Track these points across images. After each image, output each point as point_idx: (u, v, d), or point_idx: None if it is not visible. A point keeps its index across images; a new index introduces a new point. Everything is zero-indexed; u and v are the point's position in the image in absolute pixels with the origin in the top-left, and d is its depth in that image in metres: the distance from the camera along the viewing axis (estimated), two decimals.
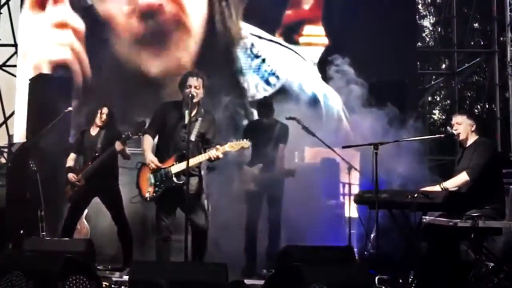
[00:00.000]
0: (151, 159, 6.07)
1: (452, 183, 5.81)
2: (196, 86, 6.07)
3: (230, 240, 7.94)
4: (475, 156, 5.83)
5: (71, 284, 4.91)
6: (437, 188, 5.83)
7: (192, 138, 6.04)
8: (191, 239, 6.06)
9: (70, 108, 7.68)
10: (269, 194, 7.45)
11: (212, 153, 5.91)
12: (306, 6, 10.33)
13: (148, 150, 6.19)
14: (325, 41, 10.03)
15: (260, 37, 10.22)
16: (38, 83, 8.77)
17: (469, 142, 5.98)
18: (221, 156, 5.95)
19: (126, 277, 6.03)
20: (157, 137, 6.33)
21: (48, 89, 8.48)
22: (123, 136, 6.91)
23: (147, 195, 6.11)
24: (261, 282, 5.53)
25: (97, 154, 7.00)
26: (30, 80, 9.16)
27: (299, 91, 10.03)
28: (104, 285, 5.62)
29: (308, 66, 10.19)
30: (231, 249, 7.87)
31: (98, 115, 7.17)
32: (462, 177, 5.79)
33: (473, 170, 5.74)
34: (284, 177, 7.40)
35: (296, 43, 10.27)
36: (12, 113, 10.93)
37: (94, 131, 7.20)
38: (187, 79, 6.14)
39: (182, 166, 5.91)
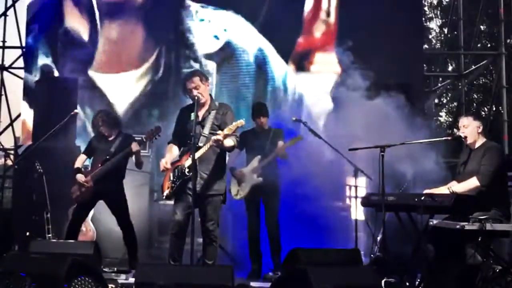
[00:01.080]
0: (163, 161, 6.15)
1: (461, 188, 5.78)
2: (195, 87, 6.08)
3: (236, 242, 8.00)
4: (485, 162, 5.80)
5: (77, 287, 4.91)
6: (444, 190, 5.81)
7: (206, 131, 6.09)
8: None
9: (76, 111, 7.69)
10: (265, 195, 7.43)
11: (213, 139, 5.86)
12: (318, 34, 10.29)
13: (167, 154, 6.25)
14: (337, 69, 9.87)
15: (203, 6, 10.41)
16: (44, 85, 8.79)
17: (477, 144, 5.97)
18: (221, 139, 5.82)
19: (132, 280, 6.04)
20: None
21: (54, 91, 8.51)
22: (137, 139, 6.97)
23: (165, 192, 6.18)
24: (267, 284, 5.52)
25: (107, 157, 7.02)
26: (36, 82, 9.18)
27: (246, 46, 10.22)
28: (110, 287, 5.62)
29: (252, 30, 10.27)
30: (237, 251, 7.93)
31: (100, 124, 7.27)
32: (472, 183, 5.76)
33: (484, 177, 5.72)
34: (292, 144, 7.35)
35: (307, 71, 10.23)
36: (19, 115, 10.94)
37: (110, 137, 7.26)
38: (185, 85, 6.19)
39: (190, 160, 5.90)
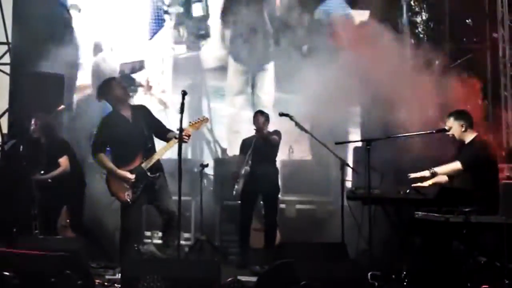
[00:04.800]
0: (125, 175, 6.32)
1: (443, 169, 5.88)
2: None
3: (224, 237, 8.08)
4: (470, 150, 5.93)
5: (64, 282, 4.91)
6: (426, 173, 5.87)
7: (146, 132, 6.41)
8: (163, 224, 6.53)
9: (62, 106, 7.68)
10: (265, 192, 7.67)
11: (187, 135, 6.13)
12: None
13: (115, 167, 6.38)
14: None
15: None
16: (30, 81, 8.75)
17: (468, 140, 6.02)
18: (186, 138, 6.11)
19: (119, 275, 6.04)
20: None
21: (41, 87, 8.46)
22: None
23: (128, 198, 6.32)
24: (255, 278, 5.54)
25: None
26: (22, 78, 9.13)
27: None
28: (97, 283, 5.62)
29: None
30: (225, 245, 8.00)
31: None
32: (454, 165, 5.89)
33: (466, 161, 5.83)
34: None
35: None
36: (5, 111, 10.86)
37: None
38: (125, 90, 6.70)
39: (151, 161, 6.31)
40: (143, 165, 6.30)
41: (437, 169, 5.91)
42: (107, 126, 6.50)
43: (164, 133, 6.50)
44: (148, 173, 6.31)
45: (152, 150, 6.39)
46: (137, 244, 7.18)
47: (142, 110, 6.60)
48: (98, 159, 6.46)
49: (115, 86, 6.47)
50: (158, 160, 6.44)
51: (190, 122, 6.44)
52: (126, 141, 6.33)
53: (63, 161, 7.24)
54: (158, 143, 6.58)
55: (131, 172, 6.30)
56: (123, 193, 6.33)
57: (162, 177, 6.47)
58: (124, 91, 6.56)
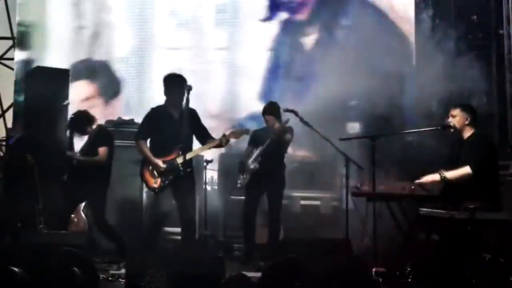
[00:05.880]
0: (156, 162, 6.66)
1: (453, 174, 5.79)
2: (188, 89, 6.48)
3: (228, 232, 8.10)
4: (476, 152, 5.82)
5: (68, 277, 4.92)
6: (436, 177, 5.81)
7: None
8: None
9: (67, 101, 7.67)
10: (270, 188, 7.61)
11: (224, 141, 6.76)
12: None
13: (151, 155, 6.73)
14: None
15: None
16: (35, 76, 8.76)
17: (467, 135, 5.98)
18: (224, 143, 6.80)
19: (123, 270, 6.06)
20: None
21: (46, 82, 8.48)
22: None
23: (155, 185, 6.68)
24: (259, 274, 5.55)
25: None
26: (27, 73, 9.15)
27: None
28: (101, 278, 5.63)
29: None
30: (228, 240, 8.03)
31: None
32: (465, 170, 5.75)
33: (476, 167, 5.72)
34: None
35: None
36: (10, 106, 10.89)
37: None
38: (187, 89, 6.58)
39: (186, 157, 6.54)
40: (177, 159, 6.61)
41: (448, 174, 5.80)
42: (152, 118, 6.88)
43: (205, 138, 6.86)
44: (181, 168, 6.58)
45: (188, 150, 6.68)
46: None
47: (191, 114, 6.76)
48: (138, 145, 6.84)
49: (185, 90, 6.52)
50: (191, 159, 6.75)
51: (231, 130, 6.98)
52: (166, 135, 6.68)
53: (102, 151, 7.24)
54: None
55: (164, 163, 6.61)
56: (152, 180, 6.67)
57: (192, 176, 6.85)
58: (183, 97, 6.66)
